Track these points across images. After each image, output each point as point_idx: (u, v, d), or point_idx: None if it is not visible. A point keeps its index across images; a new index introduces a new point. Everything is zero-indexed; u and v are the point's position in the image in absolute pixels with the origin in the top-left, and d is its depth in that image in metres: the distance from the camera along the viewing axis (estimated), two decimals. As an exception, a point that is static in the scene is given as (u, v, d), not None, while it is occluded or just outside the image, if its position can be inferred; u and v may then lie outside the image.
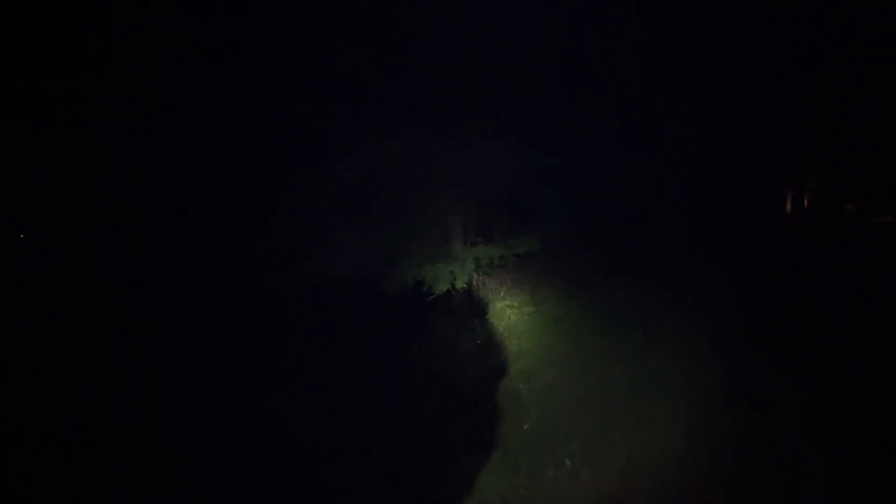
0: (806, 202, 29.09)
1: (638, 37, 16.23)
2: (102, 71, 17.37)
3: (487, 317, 13.60)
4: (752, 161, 21.40)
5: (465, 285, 14.57)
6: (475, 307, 14.57)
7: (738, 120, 19.05)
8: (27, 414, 9.95)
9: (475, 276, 15.67)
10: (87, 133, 18.29)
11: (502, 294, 14.59)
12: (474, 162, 14.46)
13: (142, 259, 17.64)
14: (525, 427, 7.67)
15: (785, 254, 16.59)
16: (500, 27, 14.33)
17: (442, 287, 14.45)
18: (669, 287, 13.60)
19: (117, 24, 16.75)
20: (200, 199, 17.43)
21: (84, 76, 17.46)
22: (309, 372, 11.52)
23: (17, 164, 19.76)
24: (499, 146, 14.44)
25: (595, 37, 15.71)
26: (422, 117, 14.74)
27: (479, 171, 14.49)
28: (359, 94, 15.04)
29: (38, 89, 17.59)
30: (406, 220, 14.84)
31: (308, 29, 15.26)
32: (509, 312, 13.16)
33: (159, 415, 9.60)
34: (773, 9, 17.85)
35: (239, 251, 17.01)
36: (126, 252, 18.15)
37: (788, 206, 29.01)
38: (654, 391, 8.50)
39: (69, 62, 17.33)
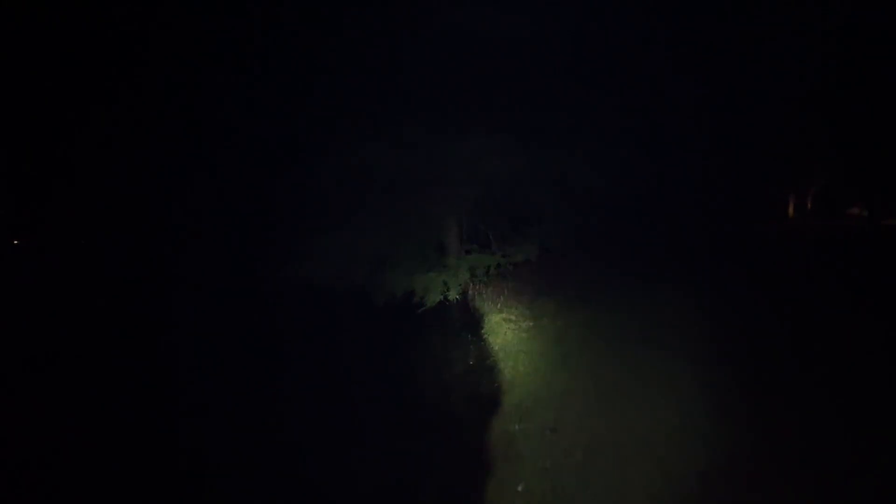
0: (809, 205, 27.12)
1: (642, 35, 14.60)
2: (103, 71, 15.98)
3: (482, 332, 11.65)
4: (755, 163, 19.67)
5: (457, 296, 12.71)
6: (470, 320, 12.62)
7: (740, 120, 17.38)
8: (29, 414, 9.41)
9: (471, 286, 13.81)
10: (86, 134, 16.84)
11: (499, 306, 12.66)
12: (469, 161, 12.73)
13: (142, 259, 16.81)
14: (519, 488, 5.72)
15: (792, 258, 14.92)
16: (499, 22, 12.66)
17: (433, 298, 12.65)
18: (676, 296, 11.92)
19: (117, 24, 15.38)
20: (196, 200, 15.95)
21: (85, 77, 16.09)
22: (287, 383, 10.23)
23: (18, 164, 18.45)
24: (495, 144, 12.69)
25: (598, 33, 14.08)
26: (413, 115, 12.97)
27: (474, 171, 12.73)
28: (349, 93, 13.27)
29: (39, 90, 16.35)
30: (395, 225, 13.06)
31: (304, 29, 13.56)
32: (505, 328, 11.24)
33: (159, 415, 9.08)
34: (778, 8, 16.22)
35: (230, 254, 15.43)
36: (126, 252, 17.35)
37: (791, 210, 27.00)
38: (676, 436, 6.56)
39: (69, 63, 15.97)
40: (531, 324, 11.45)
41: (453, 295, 12.55)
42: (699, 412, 7.15)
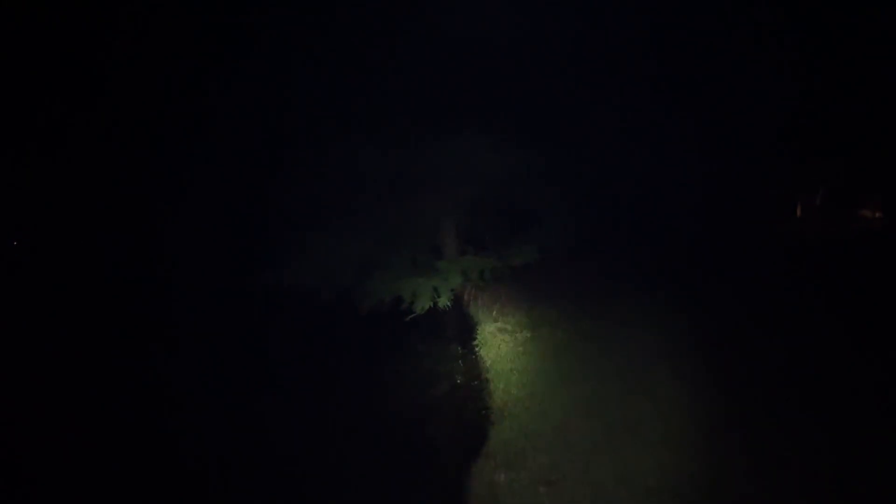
0: (819, 205, 24.95)
1: (646, 29, 12.93)
2: (98, 70, 14.62)
3: (474, 343, 9.96)
4: (761, 161, 17.80)
5: (448, 303, 11.00)
6: (463, 329, 10.93)
7: (745, 117, 15.56)
8: (27, 414, 8.84)
9: (467, 291, 12.13)
10: (84, 133, 15.58)
11: (494, 313, 10.96)
12: (463, 158, 11.04)
13: (141, 259, 15.23)
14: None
15: (809, 262, 13.13)
16: (496, 15, 11.01)
17: (422, 304, 10.95)
18: (689, 304, 10.23)
19: (113, 23, 14.06)
20: (175, 200, 14.53)
21: (80, 75, 14.73)
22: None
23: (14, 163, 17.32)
24: (491, 139, 10.98)
25: (599, 23, 12.38)
26: (403, 109, 11.30)
27: (469, 168, 11.06)
28: (334, 88, 11.63)
29: (34, 89, 15.07)
30: (384, 225, 11.41)
31: (291, 23, 11.97)
32: (499, 340, 9.59)
33: (158, 415, 8.57)
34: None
35: (210, 256, 14.09)
36: (125, 252, 15.61)
37: (799, 210, 24.89)
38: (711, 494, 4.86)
39: (65, 62, 14.66)
40: (528, 335, 9.78)
41: (444, 301, 10.83)
42: (733, 455, 5.44)
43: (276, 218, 12.56)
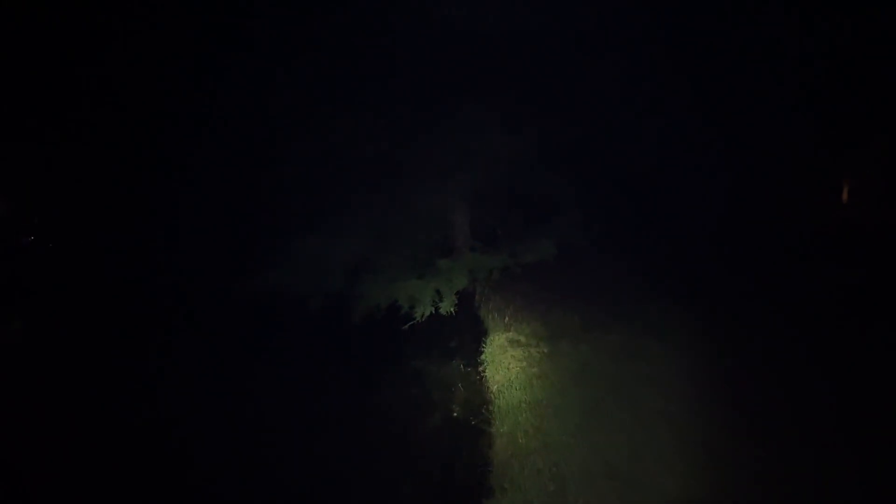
0: (870, 187, 21.48)
1: (670, 18, 10.53)
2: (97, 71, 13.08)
3: (481, 359, 7.72)
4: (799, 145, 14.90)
5: (452, 309, 8.76)
6: (470, 338, 8.71)
7: (782, 96, 12.77)
8: (28, 413, 8.16)
9: (477, 293, 9.91)
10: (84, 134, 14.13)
11: (506, 319, 8.66)
12: (468, 142, 8.78)
13: (141, 259, 14.32)
14: None
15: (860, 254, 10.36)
16: None
17: (422, 310, 8.78)
18: (734, 307, 8.09)
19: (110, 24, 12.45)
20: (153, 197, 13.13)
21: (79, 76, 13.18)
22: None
23: (19, 166, 15.94)
24: (499, 121, 8.69)
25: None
26: (396, 87, 9.05)
27: (475, 149, 8.80)
28: (324, 66, 9.45)
29: (33, 90, 13.64)
30: (377, 219, 9.26)
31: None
32: (510, 356, 7.28)
33: (158, 415, 7.79)
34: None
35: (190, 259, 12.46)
36: (125, 252, 14.82)
37: (845, 195, 21.41)
38: None
39: (63, 63, 13.17)
40: (546, 350, 7.45)
41: (447, 306, 8.65)
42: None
43: (263, 214, 10.68)
